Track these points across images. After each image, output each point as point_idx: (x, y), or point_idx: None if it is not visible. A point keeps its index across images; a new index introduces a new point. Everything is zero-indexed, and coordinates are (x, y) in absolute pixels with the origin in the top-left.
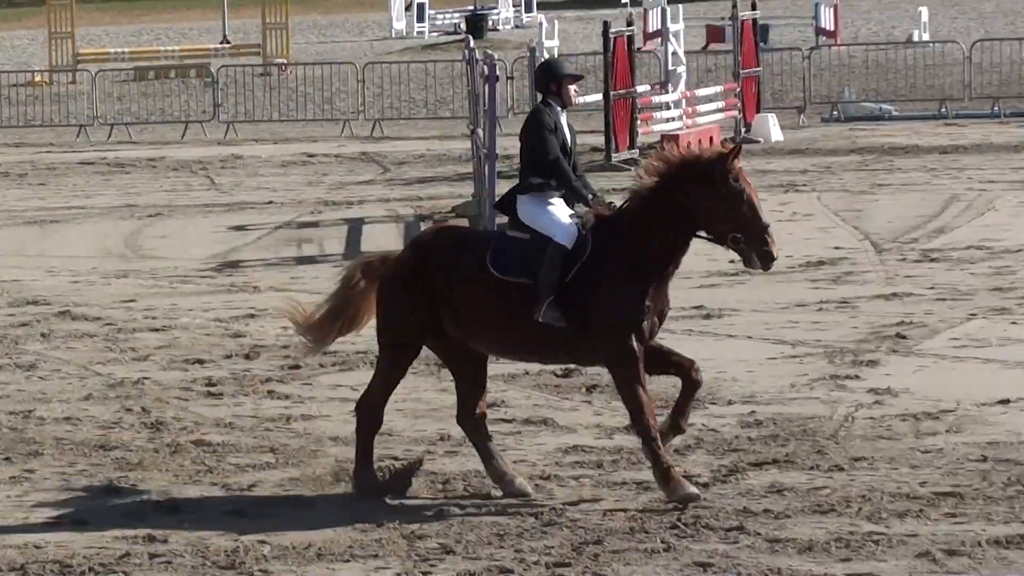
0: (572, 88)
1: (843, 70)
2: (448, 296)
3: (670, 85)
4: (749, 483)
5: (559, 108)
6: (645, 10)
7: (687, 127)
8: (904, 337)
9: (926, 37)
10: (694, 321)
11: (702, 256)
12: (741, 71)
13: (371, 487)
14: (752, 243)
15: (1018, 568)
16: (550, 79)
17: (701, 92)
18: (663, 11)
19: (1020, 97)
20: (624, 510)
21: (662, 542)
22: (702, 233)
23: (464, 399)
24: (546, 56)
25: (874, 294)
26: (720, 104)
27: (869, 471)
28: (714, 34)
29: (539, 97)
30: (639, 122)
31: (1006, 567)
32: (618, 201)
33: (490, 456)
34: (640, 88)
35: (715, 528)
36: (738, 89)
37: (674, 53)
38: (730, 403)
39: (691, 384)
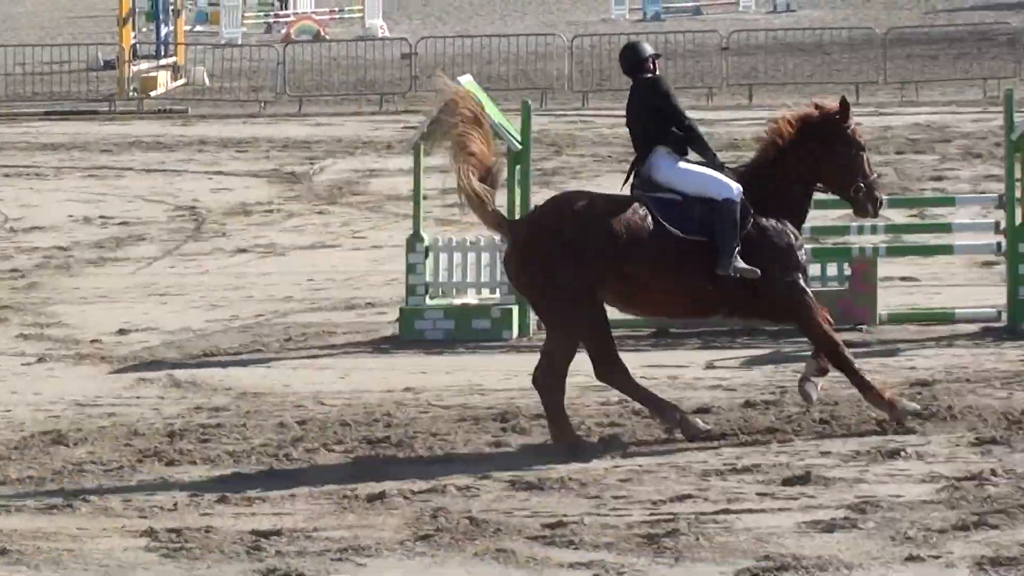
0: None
1: None
2: (620, 258)
3: None
4: None
5: None
6: None
7: None
8: None
9: None
10: None
11: None
12: None
13: (576, 443)
14: (869, 191)
15: None
16: (644, 58)
17: None
18: None
19: None
20: None
21: None
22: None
23: (605, 353)
24: None
25: None
26: None
27: None
28: None
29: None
30: None
31: None
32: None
33: (648, 396)
34: None
35: None
36: None
37: None
38: None
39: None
